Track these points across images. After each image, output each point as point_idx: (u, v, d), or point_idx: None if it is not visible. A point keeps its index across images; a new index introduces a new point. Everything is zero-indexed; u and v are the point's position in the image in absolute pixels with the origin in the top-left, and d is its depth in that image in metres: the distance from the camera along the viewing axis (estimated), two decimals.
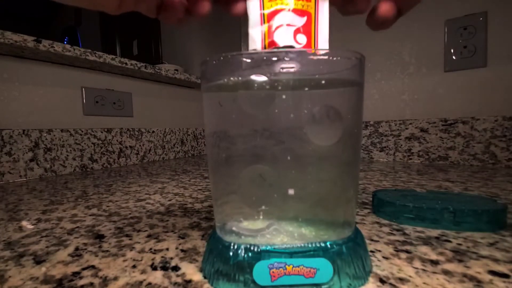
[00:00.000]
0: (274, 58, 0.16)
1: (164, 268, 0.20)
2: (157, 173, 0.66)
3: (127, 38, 1.77)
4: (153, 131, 0.92)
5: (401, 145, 0.78)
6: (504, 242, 0.23)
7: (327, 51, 0.16)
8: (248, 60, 0.16)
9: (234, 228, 0.18)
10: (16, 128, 0.60)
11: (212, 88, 0.18)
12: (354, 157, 0.18)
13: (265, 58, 0.16)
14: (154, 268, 0.20)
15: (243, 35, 1.15)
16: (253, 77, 0.16)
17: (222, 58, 0.17)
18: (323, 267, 0.16)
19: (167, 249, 0.23)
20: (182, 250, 0.23)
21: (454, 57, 0.70)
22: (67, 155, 0.69)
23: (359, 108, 0.18)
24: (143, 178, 0.60)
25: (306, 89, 0.17)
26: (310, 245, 0.17)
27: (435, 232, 0.26)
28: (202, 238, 0.25)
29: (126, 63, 0.76)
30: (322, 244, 0.17)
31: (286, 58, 0.16)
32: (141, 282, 0.18)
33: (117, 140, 0.80)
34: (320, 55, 0.16)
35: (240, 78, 0.17)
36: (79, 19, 2.22)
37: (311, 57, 0.16)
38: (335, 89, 0.18)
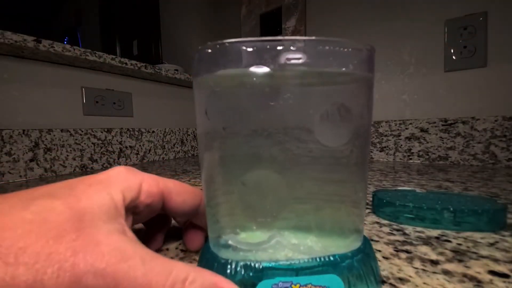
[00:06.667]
0: (279, 47, 0.14)
1: None
2: (157, 173, 0.65)
3: (127, 38, 1.77)
4: (153, 131, 0.92)
5: (401, 145, 0.78)
6: (504, 242, 0.23)
7: (337, 41, 0.14)
8: (249, 49, 0.14)
9: (230, 242, 0.16)
10: (16, 128, 0.60)
11: (206, 81, 0.16)
12: (364, 158, 0.17)
13: (268, 47, 0.14)
14: None
15: (243, 35, 1.15)
16: (254, 68, 0.14)
17: (218, 46, 0.14)
18: (334, 285, 0.15)
19: (167, 249, 0.23)
20: (182, 250, 0.23)
21: (454, 57, 0.70)
22: (67, 155, 0.69)
23: (370, 105, 0.17)
24: None
25: (314, 83, 0.15)
26: (317, 260, 0.15)
27: (435, 232, 0.26)
28: None
29: (126, 63, 0.76)
30: (331, 258, 0.15)
31: (292, 48, 0.14)
32: None
33: (117, 140, 0.80)
34: (330, 45, 0.14)
35: (238, 69, 0.14)
36: (79, 19, 2.22)
37: (320, 47, 0.14)
38: (345, 84, 0.16)
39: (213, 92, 0.16)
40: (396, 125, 0.79)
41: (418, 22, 0.74)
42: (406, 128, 0.77)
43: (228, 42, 0.14)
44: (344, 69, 0.15)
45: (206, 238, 0.18)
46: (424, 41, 0.74)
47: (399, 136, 0.78)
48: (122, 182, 0.16)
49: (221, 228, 0.17)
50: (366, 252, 0.17)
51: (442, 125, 0.72)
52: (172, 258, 0.21)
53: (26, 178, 0.61)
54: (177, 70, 0.98)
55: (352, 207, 0.17)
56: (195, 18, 1.26)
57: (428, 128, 0.74)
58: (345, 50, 0.14)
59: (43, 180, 0.60)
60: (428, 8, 0.73)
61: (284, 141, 0.15)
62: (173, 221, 0.25)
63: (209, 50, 0.15)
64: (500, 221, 0.26)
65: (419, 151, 0.76)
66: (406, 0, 0.76)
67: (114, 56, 0.73)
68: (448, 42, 0.70)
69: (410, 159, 0.77)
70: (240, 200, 0.16)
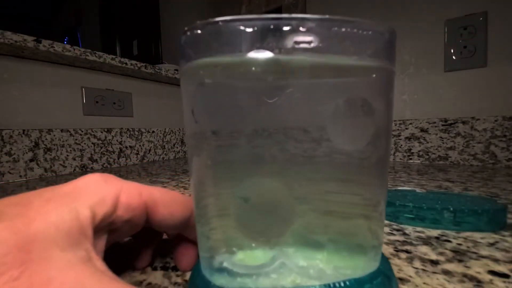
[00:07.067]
0: (286, 28, 0.11)
1: (164, 268, 0.20)
2: (157, 173, 0.66)
3: (127, 38, 1.77)
4: (153, 131, 0.92)
5: (401, 145, 0.78)
6: (504, 242, 0.23)
7: (356, 21, 0.12)
8: (248, 30, 0.11)
9: (225, 264, 0.13)
10: (16, 128, 0.60)
11: (193, 71, 0.13)
12: (385, 161, 0.14)
13: (272, 27, 0.11)
14: (154, 268, 0.20)
15: None
16: (254, 54, 0.11)
17: (209, 26, 0.12)
18: None
19: (166, 248, 0.23)
20: None
21: (454, 57, 0.70)
22: (67, 155, 0.69)
23: (392, 99, 0.14)
24: (143, 178, 0.60)
25: (327, 73, 0.12)
26: (331, 286, 0.13)
27: (435, 232, 0.26)
28: None
29: (126, 63, 0.76)
30: (347, 283, 0.13)
31: (301, 29, 0.11)
32: (141, 282, 0.18)
33: (117, 140, 0.80)
34: (347, 26, 0.12)
35: (234, 55, 0.12)
36: (79, 19, 2.22)
37: (335, 28, 0.11)
38: (365, 74, 0.13)
39: (202, 86, 0.13)
40: (396, 125, 0.79)
41: (418, 22, 0.74)
42: (406, 128, 0.77)
43: (222, 21, 0.11)
44: (364, 55, 0.12)
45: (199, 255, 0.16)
46: (424, 41, 0.74)
47: (399, 136, 0.78)
48: (93, 195, 0.13)
49: (213, 246, 0.14)
50: (386, 273, 0.14)
51: (442, 125, 0.72)
52: (172, 258, 0.21)
53: (26, 178, 0.61)
54: (177, 70, 0.98)
55: (372, 218, 0.14)
56: (195, 18, 1.26)
57: (428, 128, 0.74)
58: (365, 33, 0.12)
59: (43, 180, 0.60)
60: (428, 8, 0.73)
61: (289, 144, 0.13)
62: None
63: (198, 31, 0.12)
64: (500, 221, 0.26)
65: (419, 151, 0.76)
66: (406, 0, 0.76)
67: (114, 56, 0.73)
68: (448, 42, 0.70)
69: (410, 159, 0.77)
70: (236, 213, 0.13)
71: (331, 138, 0.12)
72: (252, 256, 0.14)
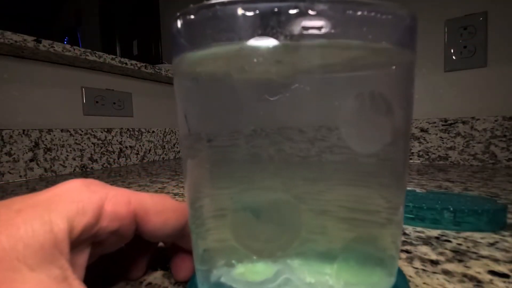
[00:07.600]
0: (293, 11, 0.09)
1: (164, 268, 0.20)
2: (157, 173, 0.66)
3: (127, 38, 1.77)
4: (153, 131, 0.92)
5: None
6: (504, 242, 0.23)
7: (374, 3, 0.10)
8: (249, 13, 0.10)
9: (223, 279, 0.12)
10: (16, 128, 0.60)
11: (185, 65, 0.12)
12: (404, 163, 0.13)
13: (276, 10, 0.09)
14: (154, 268, 0.20)
15: None
16: (254, 42, 0.10)
17: (204, 9, 0.10)
18: None
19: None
20: None
21: (454, 57, 0.70)
22: (67, 155, 0.69)
23: (412, 94, 0.13)
24: (143, 178, 0.60)
25: (341, 63, 0.11)
26: None
27: (435, 232, 0.26)
28: None
29: (126, 63, 0.76)
30: None
31: (311, 12, 0.09)
32: (141, 282, 0.18)
33: (117, 140, 0.80)
34: (364, 9, 0.10)
35: (232, 43, 0.10)
36: (79, 19, 2.22)
37: (350, 11, 0.10)
38: (384, 66, 0.12)
39: (196, 82, 0.12)
40: None
41: (418, 22, 0.74)
42: None
43: (219, 3, 0.10)
44: (383, 43, 0.11)
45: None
46: (424, 41, 0.74)
47: None
48: (71, 204, 0.11)
49: (210, 259, 0.13)
50: None
51: (442, 125, 0.72)
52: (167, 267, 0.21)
53: (26, 178, 0.61)
54: None
55: (392, 223, 0.12)
56: None
57: (428, 128, 0.74)
58: (384, 17, 0.10)
59: (43, 180, 0.60)
60: (428, 8, 0.73)
61: (288, 145, 0.11)
62: None
63: (191, 17, 0.10)
64: (500, 221, 0.26)
65: (419, 151, 0.76)
66: (406, 0, 0.76)
67: (114, 56, 0.73)
68: (448, 42, 0.70)
69: (410, 159, 0.77)
70: (235, 223, 0.12)
71: (345, 140, 0.11)
72: (253, 270, 0.12)
